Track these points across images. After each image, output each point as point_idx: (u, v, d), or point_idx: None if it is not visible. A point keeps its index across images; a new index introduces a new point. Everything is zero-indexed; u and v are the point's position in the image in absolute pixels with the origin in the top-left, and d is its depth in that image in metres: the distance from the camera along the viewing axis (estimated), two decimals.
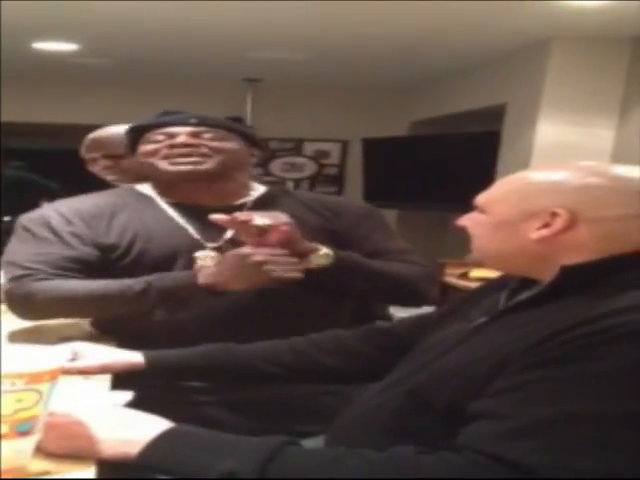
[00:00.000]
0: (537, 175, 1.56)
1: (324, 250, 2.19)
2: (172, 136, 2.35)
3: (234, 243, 2.26)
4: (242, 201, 2.40)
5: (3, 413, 1.24)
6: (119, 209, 2.36)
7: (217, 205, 2.31)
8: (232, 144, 2.39)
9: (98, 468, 1.37)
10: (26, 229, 2.33)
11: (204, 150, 2.33)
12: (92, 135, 3.26)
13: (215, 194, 2.37)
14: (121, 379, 1.93)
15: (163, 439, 1.39)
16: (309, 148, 7.77)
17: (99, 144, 3.21)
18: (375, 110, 7.63)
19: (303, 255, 2.17)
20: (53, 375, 1.30)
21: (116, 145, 3.16)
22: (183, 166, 2.32)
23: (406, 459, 1.29)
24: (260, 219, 2.11)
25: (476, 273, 4.97)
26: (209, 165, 2.33)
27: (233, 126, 2.44)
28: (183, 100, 5.59)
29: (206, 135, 2.35)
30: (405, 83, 7.28)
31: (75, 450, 1.39)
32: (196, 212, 2.33)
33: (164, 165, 2.34)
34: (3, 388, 1.23)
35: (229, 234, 2.30)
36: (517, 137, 5.57)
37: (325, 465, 1.31)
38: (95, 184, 3.31)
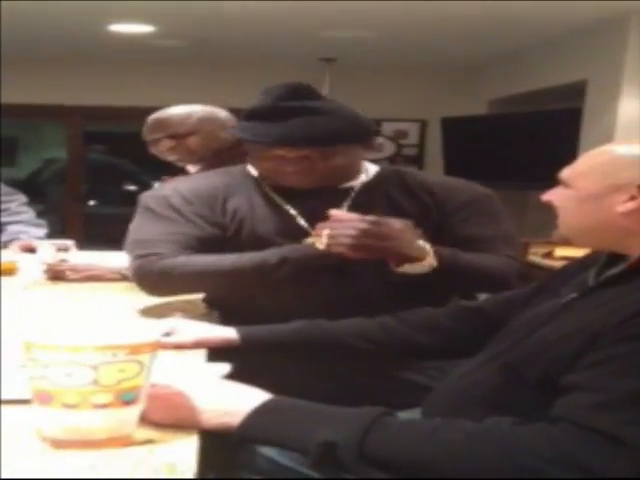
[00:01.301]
0: (622, 149, 1.56)
1: (428, 260, 2.16)
2: (281, 159, 2.29)
3: None
4: (349, 184, 2.39)
5: (107, 383, 1.28)
6: (232, 190, 2.39)
7: (324, 188, 2.34)
8: (338, 159, 2.32)
9: (201, 437, 1.40)
10: (149, 209, 2.39)
11: (314, 169, 2.30)
12: (154, 116, 3.29)
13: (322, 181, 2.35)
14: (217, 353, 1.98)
15: (262, 411, 1.42)
16: (388, 128, 7.74)
17: (161, 124, 3.24)
18: (453, 89, 7.58)
19: (411, 260, 2.16)
20: (153, 347, 1.34)
21: (178, 124, 3.21)
22: (295, 183, 2.34)
23: (503, 430, 1.31)
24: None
25: (561, 252, 4.90)
26: (318, 183, 2.33)
27: (341, 139, 2.32)
28: (259, 80, 5.56)
29: (313, 155, 2.28)
30: (483, 61, 7.22)
31: (177, 420, 1.43)
32: (302, 195, 2.34)
33: (278, 180, 2.36)
34: (105, 359, 1.27)
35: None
36: (599, 114, 5.49)
37: (424, 436, 1.33)
38: (173, 167, 3.37)
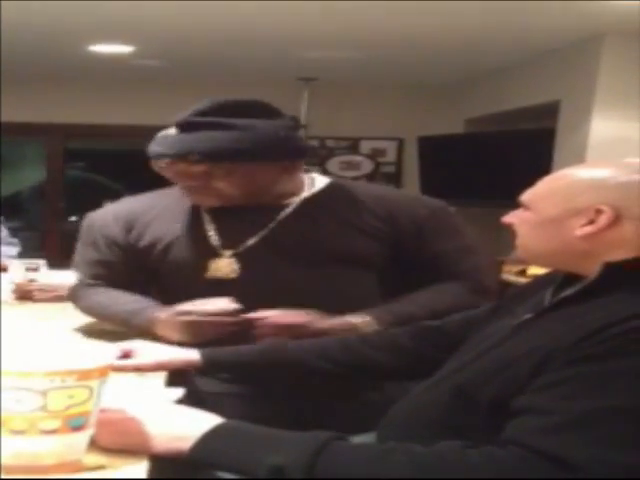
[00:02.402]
0: (581, 172, 1.57)
1: (359, 326, 2.18)
2: (179, 174, 2.26)
3: (257, 249, 2.26)
4: (287, 201, 2.32)
5: (56, 409, 1.29)
6: (156, 212, 2.39)
7: (258, 204, 2.29)
8: (244, 177, 2.24)
9: (151, 463, 1.41)
10: (80, 230, 2.50)
11: (213, 189, 2.25)
12: (162, 134, 3.30)
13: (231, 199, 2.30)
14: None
15: (213, 435, 1.42)
16: (365, 146, 7.78)
17: None
18: (430, 108, 7.60)
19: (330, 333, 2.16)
20: (102, 372, 1.34)
21: None
22: (196, 201, 2.34)
23: (452, 454, 1.31)
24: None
25: (534, 270, 4.91)
26: (223, 202, 2.29)
27: (240, 156, 2.21)
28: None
29: (214, 173, 2.22)
30: (459, 81, 7.25)
31: (128, 445, 1.44)
32: (234, 213, 2.30)
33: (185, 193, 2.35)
34: (54, 385, 1.28)
35: (252, 240, 2.27)
36: (572, 133, 5.53)
37: (373, 460, 1.33)
38: (156, 183, 3.36)
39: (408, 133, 7.60)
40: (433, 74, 7.02)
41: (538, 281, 1.82)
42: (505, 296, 1.89)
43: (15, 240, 4.14)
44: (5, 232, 4.14)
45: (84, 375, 1.31)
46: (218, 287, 2.23)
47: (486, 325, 1.77)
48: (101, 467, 1.37)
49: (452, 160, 6.93)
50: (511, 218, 1.67)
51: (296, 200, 2.33)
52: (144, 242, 2.35)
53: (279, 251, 2.26)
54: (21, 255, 3.99)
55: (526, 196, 1.63)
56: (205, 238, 2.30)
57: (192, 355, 2.03)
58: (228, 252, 2.27)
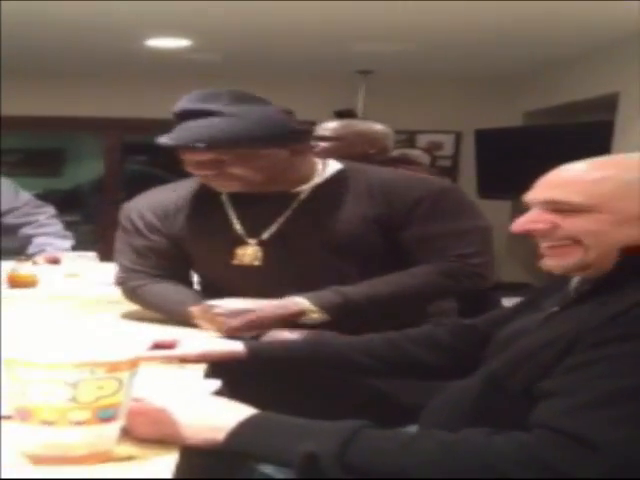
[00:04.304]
0: None
1: (312, 314, 2.25)
2: (198, 165, 2.31)
3: (277, 236, 2.35)
4: (301, 188, 2.40)
5: (85, 400, 1.30)
6: (182, 201, 2.48)
7: (275, 191, 2.37)
8: (259, 162, 2.29)
9: (182, 454, 1.41)
10: (120, 221, 2.59)
11: (229, 176, 2.30)
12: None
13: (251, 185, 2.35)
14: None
15: (246, 425, 1.43)
16: (422, 140, 7.75)
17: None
18: (488, 101, 7.56)
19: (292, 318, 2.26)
20: (132, 364, 1.35)
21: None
22: (216, 187, 2.39)
23: (477, 440, 1.33)
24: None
25: None
26: (240, 187, 2.35)
27: (247, 141, 2.27)
28: (295, 94, 5.66)
29: (228, 160, 2.27)
30: (517, 73, 7.20)
31: (162, 435, 1.44)
32: (251, 201, 2.37)
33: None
34: (83, 376, 1.29)
35: (273, 228, 2.36)
36: (630, 126, 5.45)
37: (401, 446, 1.35)
38: None
39: (465, 126, 7.57)
40: (491, 67, 6.97)
41: (564, 277, 1.78)
42: (533, 292, 1.89)
43: (69, 233, 4.18)
44: (60, 225, 4.19)
45: (113, 367, 1.31)
46: (244, 273, 2.37)
47: (515, 319, 1.78)
48: (131, 458, 1.37)
49: (509, 153, 6.87)
50: (543, 224, 1.56)
51: (308, 187, 2.41)
52: (176, 230, 2.45)
53: (295, 239, 2.36)
54: (76, 249, 4.04)
55: (582, 198, 1.51)
56: (230, 226, 2.39)
57: (237, 346, 2.03)
58: (253, 240, 2.37)
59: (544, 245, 1.58)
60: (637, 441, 1.23)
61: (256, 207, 2.37)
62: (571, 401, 1.31)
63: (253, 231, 2.37)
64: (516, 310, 1.86)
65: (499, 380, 1.53)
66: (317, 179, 2.42)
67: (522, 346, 1.54)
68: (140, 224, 2.49)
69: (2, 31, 5.36)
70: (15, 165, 8.19)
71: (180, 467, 1.36)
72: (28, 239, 4.04)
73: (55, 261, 3.63)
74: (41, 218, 4.13)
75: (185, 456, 1.41)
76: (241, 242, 2.38)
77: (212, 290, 2.45)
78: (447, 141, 7.86)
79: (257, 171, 2.29)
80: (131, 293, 2.55)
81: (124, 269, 2.56)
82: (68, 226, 4.33)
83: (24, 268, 3.19)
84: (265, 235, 2.37)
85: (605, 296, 1.47)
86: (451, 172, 7.82)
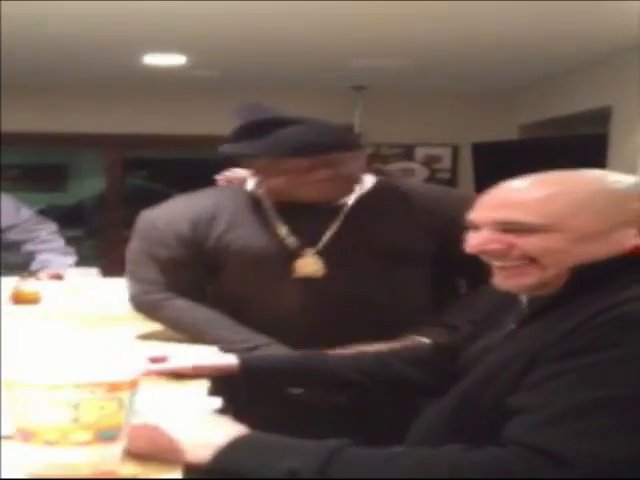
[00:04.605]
0: (610, 182, 1.56)
1: None
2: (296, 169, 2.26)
3: (332, 246, 2.32)
4: (344, 200, 2.36)
5: (87, 421, 1.32)
6: (216, 211, 2.39)
7: (320, 204, 2.32)
8: (348, 166, 2.29)
9: (185, 472, 1.45)
10: (138, 229, 2.48)
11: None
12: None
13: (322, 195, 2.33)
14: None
15: (234, 444, 1.46)
16: (420, 153, 7.78)
17: None
18: (483, 115, 7.60)
19: None
20: (132, 384, 1.37)
21: None
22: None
23: (453, 455, 1.36)
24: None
25: None
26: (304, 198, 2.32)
27: (317, 146, 2.26)
28: (292, 108, 5.66)
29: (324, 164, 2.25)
30: (512, 87, 7.25)
31: (158, 452, 1.47)
32: (298, 213, 2.33)
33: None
34: (84, 396, 1.31)
35: (327, 238, 2.32)
36: (624, 139, 5.49)
37: (381, 462, 1.38)
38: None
39: (462, 140, 7.60)
40: (486, 81, 7.01)
41: None
42: (490, 308, 1.86)
43: (71, 249, 4.20)
44: (62, 241, 4.21)
45: (114, 387, 1.33)
46: (302, 285, 2.31)
47: (478, 339, 1.79)
48: (135, 476, 1.40)
49: (506, 166, 6.88)
50: (498, 245, 1.56)
51: (351, 199, 2.38)
52: (210, 242, 2.37)
53: (349, 249, 2.33)
54: (78, 265, 4.06)
55: (535, 218, 1.51)
56: (281, 237, 2.34)
57: (229, 360, 2.06)
58: (310, 250, 2.32)
59: (497, 265, 1.57)
60: (605, 453, 1.26)
61: (304, 218, 2.33)
62: (539, 416, 1.33)
63: (307, 241, 2.33)
64: (480, 326, 1.86)
65: (471, 397, 1.55)
66: (359, 190, 2.39)
67: (489, 363, 1.57)
68: (168, 234, 2.38)
69: (2, 48, 5.39)
70: (16, 180, 8.24)
71: None
72: (31, 255, 4.06)
73: (58, 277, 3.66)
74: (43, 234, 4.15)
75: (189, 475, 1.45)
76: (298, 253, 2.32)
77: (246, 310, 2.39)
78: (445, 154, 7.89)
79: (348, 176, 2.31)
80: (152, 307, 2.46)
81: (143, 281, 2.46)
82: (70, 241, 4.34)
83: (27, 285, 3.22)
84: (320, 245, 2.32)
85: (559, 311, 1.49)
86: (450, 184, 7.85)
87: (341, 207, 2.36)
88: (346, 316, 2.30)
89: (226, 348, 2.20)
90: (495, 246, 1.55)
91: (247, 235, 2.35)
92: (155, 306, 2.44)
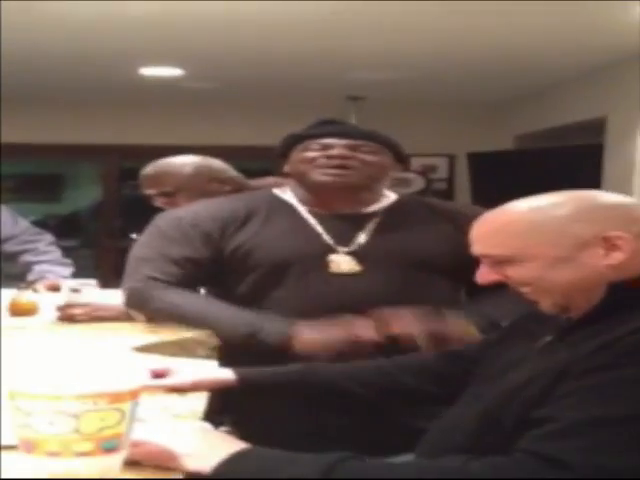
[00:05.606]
0: (558, 208, 1.57)
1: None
2: (328, 147, 2.43)
3: (366, 248, 2.41)
4: (373, 209, 2.50)
5: (88, 431, 1.32)
6: (245, 214, 2.47)
7: (351, 212, 2.46)
8: (382, 158, 2.47)
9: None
10: (157, 226, 2.52)
11: (355, 163, 2.41)
12: (144, 172, 3.31)
13: (352, 202, 2.47)
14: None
15: (236, 456, 1.47)
16: (416, 163, 7.78)
17: (151, 181, 3.27)
18: (479, 125, 7.63)
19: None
20: (133, 395, 1.38)
21: (169, 182, 3.18)
22: (333, 177, 2.41)
23: (454, 464, 1.37)
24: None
25: None
26: (356, 178, 2.42)
27: (387, 140, 2.50)
28: (287, 120, 5.68)
29: (362, 148, 2.43)
30: (508, 98, 7.27)
31: (160, 461, 1.48)
32: (330, 218, 2.45)
33: (316, 175, 2.44)
34: (86, 407, 1.32)
35: (362, 238, 2.43)
36: (619, 149, 5.53)
37: (383, 472, 1.40)
38: None
39: (458, 150, 7.62)
40: (481, 92, 7.03)
41: None
42: (523, 317, 1.86)
43: (68, 261, 4.21)
44: (59, 253, 4.22)
45: (115, 398, 1.34)
46: (336, 283, 2.38)
47: (505, 347, 1.79)
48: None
49: (502, 176, 6.92)
50: (497, 276, 1.61)
51: (379, 208, 2.52)
52: (235, 243, 2.43)
53: (382, 252, 2.43)
54: (75, 275, 4.06)
55: (504, 250, 1.56)
56: (318, 236, 2.43)
57: (227, 374, 2.06)
58: (343, 249, 2.42)
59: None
60: (607, 466, 1.27)
61: (336, 223, 2.45)
62: (552, 427, 1.34)
63: (342, 242, 2.43)
64: (504, 336, 1.87)
65: (494, 415, 1.54)
66: (385, 201, 2.54)
67: (514, 378, 1.56)
68: (192, 233, 2.44)
69: (2, 59, 5.41)
70: (13, 191, 8.24)
71: None
72: (28, 266, 4.07)
73: (55, 288, 3.66)
74: (40, 245, 4.16)
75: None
76: (333, 251, 2.42)
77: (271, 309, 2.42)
78: (441, 164, 7.91)
79: (375, 167, 2.47)
80: (147, 294, 2.47)
81: (145, 275, 2.48)
82: (66, 251, 4.34)
83: (24, 296, 3.22)
84: (352, 247, 2.42)
85: (597, 325, 1.50)
86: (446, 194, 7.87)
87: (370, 215, 2.48)
88: None
89: (228, 329, 2.34)
90: (494, 277, 1.60)
91: (282, 231, 2.45)
92: (151, 294, 2.46)
